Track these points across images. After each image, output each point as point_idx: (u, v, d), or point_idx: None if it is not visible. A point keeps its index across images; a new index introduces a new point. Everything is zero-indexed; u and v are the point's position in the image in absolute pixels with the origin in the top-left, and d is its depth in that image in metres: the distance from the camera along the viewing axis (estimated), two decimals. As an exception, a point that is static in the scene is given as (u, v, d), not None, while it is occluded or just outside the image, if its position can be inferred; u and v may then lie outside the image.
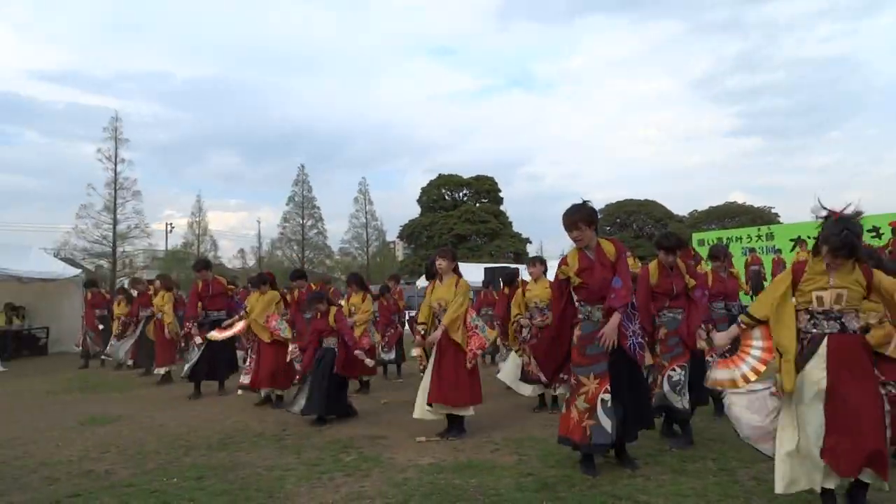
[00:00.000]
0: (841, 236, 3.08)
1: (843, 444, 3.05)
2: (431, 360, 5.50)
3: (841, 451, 3.06)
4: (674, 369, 4.88)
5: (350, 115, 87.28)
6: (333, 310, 6.46)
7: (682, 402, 4.84)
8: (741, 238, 17.95)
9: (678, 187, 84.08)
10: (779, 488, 3.20)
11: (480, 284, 16.90)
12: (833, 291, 3.18)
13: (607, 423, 4.08)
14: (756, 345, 3.43)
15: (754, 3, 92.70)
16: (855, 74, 79.90)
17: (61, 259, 21.88)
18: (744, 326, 3.49)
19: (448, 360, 5.36)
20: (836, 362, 3.15)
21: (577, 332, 4.33)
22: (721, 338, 3.71)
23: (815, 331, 3.24)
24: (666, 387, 4.87)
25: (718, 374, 3.52)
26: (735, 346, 3.63)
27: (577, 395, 4.19)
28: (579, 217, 4.17)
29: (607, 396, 4.12)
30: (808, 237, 15.31)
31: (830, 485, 3.16)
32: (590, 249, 4.25)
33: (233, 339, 8.30)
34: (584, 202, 4.23)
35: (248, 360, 7.70)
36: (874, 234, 13.71)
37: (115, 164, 34.62)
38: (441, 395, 5.31)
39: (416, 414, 5.49)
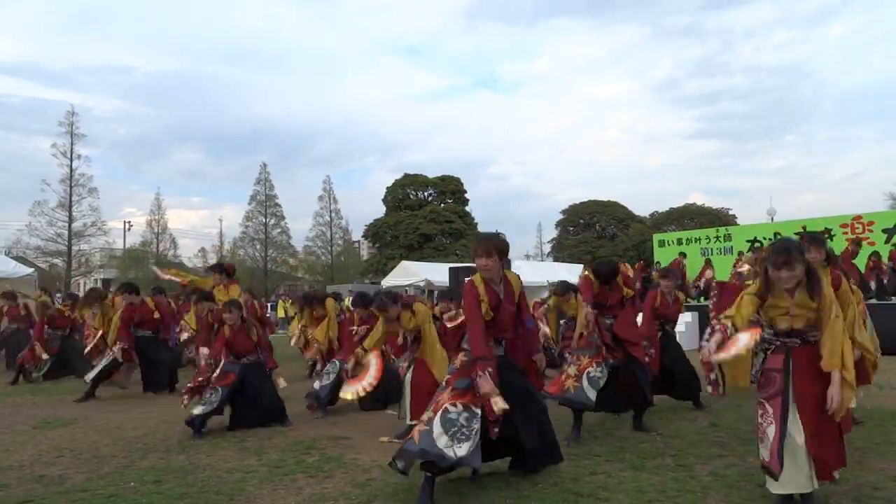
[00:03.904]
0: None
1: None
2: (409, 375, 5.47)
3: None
4: (592, 366, 5.21)
5: (316, 114, 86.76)
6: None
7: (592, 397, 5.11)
8: (699, 239, 18.32)
9: (639, 188, 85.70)
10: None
11: (446, 283, 16.91)
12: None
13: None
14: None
15: (714, 11, 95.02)
16: (808, 81, 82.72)
17: (13, 258, 21.16)
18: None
19: (424, 375, 5.31)
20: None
21: (460, 359, 3.99)
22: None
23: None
24: (585, 382, 5.14)
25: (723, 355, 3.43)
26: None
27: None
28: (493, 245, 3.93)
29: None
30: (765, 238, 15.75)
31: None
32: (494, 282, 3.97)
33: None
34: (498, 233, 4.32)
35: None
36: (826, 235, 14.19)
37: (71, 160, 33.81)
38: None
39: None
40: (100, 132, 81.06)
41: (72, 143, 33.92)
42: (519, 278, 4.20)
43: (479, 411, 3.73)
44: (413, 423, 5.25)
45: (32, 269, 16.48)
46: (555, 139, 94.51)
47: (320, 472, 4.39)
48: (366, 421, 5.96)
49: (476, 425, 3.69)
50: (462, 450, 3.59)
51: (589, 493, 3.75)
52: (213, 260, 45.82)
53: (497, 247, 3.94)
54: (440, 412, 3.71)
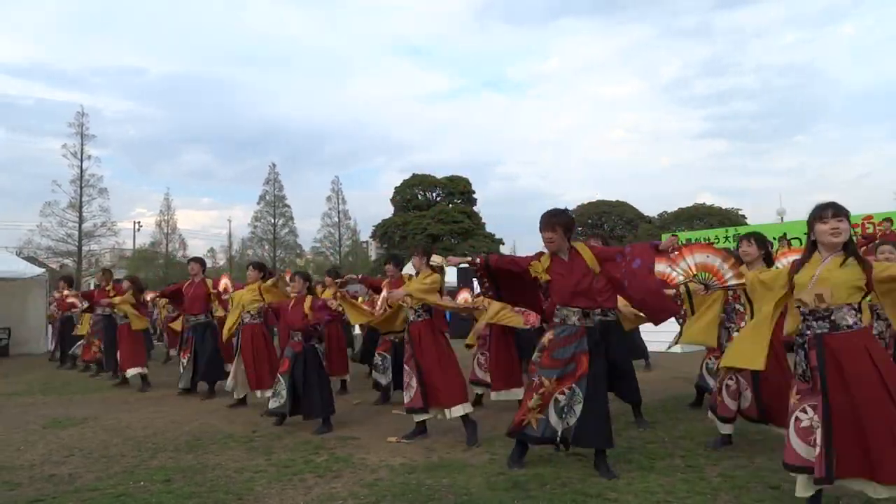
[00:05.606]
0: None
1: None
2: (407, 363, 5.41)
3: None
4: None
5: (325, 115, 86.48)
6: (309, 298, 6.06)
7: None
8: (709, 239, 18.26)
9: (648, 188, 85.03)
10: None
11: (455, 284, 16.98)
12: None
13: (555, 421, 4.19)
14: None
15: (722, 11, 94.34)
16: (818, 80, 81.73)
17: (24, 258, 21.34)
18: None
19: (433, 360, 5.24)
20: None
21: (548, 335, 4.34)
22: None
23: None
24: None
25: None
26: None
27: (535, 393, 4.23)
28: (557, 221, 4.31)
29: (562, 398, 4.18)
30: (773, 238, 15.65)
31: None
32: (562, 252, 4.33)
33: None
34: (566, 209, 4.47)
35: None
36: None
37: (81, 161, 34.06)
38: (439, 397, 5.21)
39: None
40: (110, 133, 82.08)
41: (82, 144, 34.24)
42: (588, 248, 4.38)
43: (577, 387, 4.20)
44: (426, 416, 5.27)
45: (43, 270, 16.59)
46: (562, 139, 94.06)
47: (329, 472, 4.40)
48: (374, 421, 5.97)
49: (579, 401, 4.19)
50: (572, 418, 4.20)
51: (597, 494, 3.74)
52: (222, 261, 46.11)
53: (560, 222, 4.29)
54: (551, 402, 4.20)
